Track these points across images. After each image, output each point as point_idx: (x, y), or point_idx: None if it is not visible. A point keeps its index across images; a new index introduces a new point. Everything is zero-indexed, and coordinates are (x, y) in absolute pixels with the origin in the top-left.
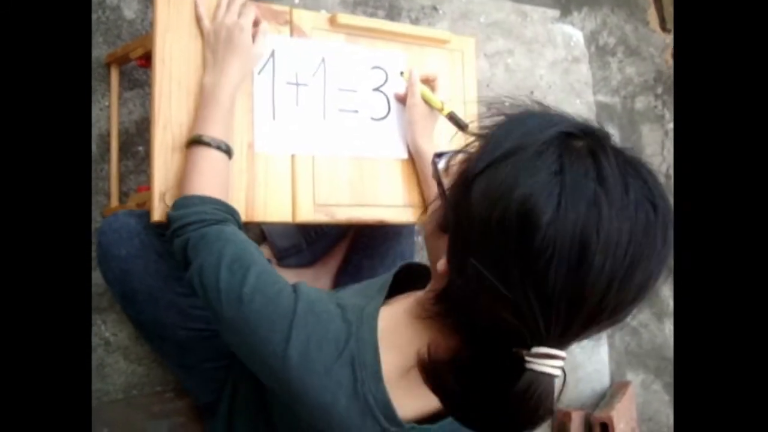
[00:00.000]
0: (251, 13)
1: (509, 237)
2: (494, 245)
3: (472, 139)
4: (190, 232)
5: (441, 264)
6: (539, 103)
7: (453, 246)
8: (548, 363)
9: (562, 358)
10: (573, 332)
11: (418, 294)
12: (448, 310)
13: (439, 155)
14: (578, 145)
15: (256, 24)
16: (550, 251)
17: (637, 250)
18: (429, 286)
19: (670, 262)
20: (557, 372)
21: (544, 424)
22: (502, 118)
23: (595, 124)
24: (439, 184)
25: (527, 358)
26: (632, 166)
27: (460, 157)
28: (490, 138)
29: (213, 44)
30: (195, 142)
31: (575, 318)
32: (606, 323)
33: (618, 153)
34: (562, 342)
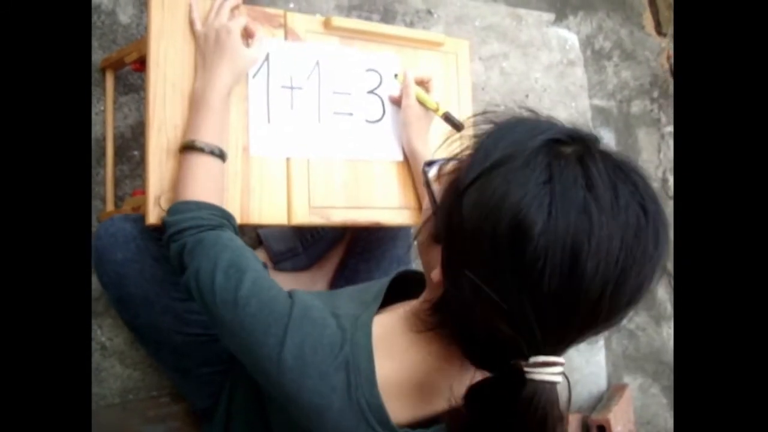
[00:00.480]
0: (242, 16)
1: (502, 248)
2: (488, 257)
3: (462, 147)
4: (187, 237)
5: (435, 274)
6: (529, 110)
7: (447, 257)
8: (548, 371)
9: (561, 364)
10: (569, 339)
11: (413, 303)
12: (445, 321)
13: (429, 164)
14: (567, 151)
15: (251, 34)
16: (543, 261)
17: (629, 255)
18: (424, 295)
19: (665, 263)
20: (558, 379)
21: None
22: (491, 126)
23: (583, 128)
24: (430, 193)
25: (526, 369)
26: (621, 171)
27: (450, 165)
28: (479, 147)
29: (203, 48)
30: (188, 147)
31: (571, 325)
32: (602, 327)
33: (607, 158)
34: (558, 349)
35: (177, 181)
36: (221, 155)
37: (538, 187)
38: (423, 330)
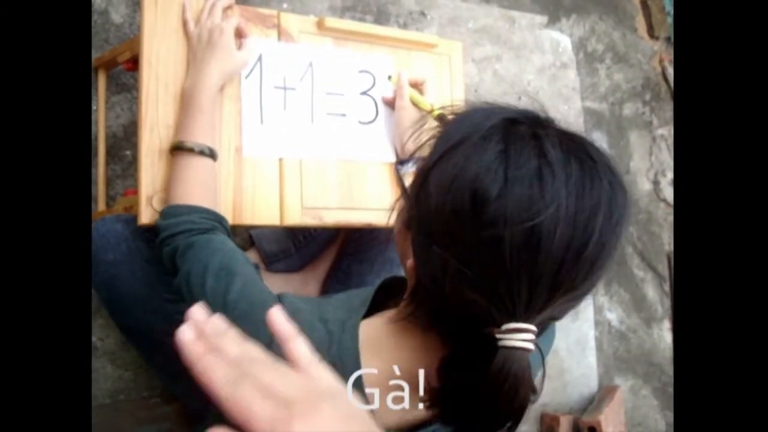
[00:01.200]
0: (234, 16)
1: (464, 217)
2: (451, 228)
3: (429, 142)
4: (179, 241)
5: (410, 261)
6: (486, 102)
7: (416, 238)
8: (519, 337)
9: (533, 332)
10: (539, 304)
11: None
12: (420, 306)
13: (400, 163)
14: (521, 129)
15: (244, 34)
16: (503, 224)
17: (587, 214)
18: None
19: (627, 227)
20: (529, 346)
21: (529, 405)
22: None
23: (538, 112)
24: (402, 186)
25: (498, 336)
26: (574, 142)
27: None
28: (441, 134)
29: (194, 47)
30: (177, 148)
31: (537, 287)
32: (570, 294)
33: (561, 133)
34: (529, 314)
35: (168, 182)
36: (212, 154)
37: (494, 156)
38: (401, 319)
